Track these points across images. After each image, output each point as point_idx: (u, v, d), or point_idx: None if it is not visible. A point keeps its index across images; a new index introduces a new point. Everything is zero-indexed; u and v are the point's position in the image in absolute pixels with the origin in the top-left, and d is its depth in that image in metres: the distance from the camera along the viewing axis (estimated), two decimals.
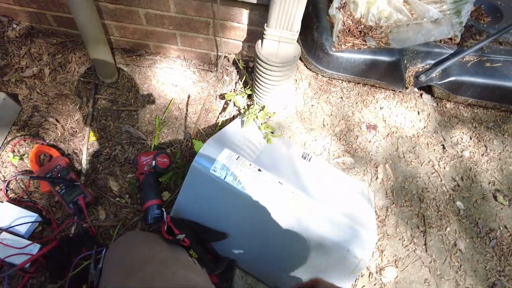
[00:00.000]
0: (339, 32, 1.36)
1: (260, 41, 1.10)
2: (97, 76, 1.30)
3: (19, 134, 1.16)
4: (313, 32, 1.34)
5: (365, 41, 1.35)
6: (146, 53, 1.39)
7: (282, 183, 0.93)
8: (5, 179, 1.07)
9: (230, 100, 1.26)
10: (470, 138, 1.35)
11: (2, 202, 1.02)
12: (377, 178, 1.21)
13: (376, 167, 1.23)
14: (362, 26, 1.41)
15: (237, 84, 1.32)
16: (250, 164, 0.95)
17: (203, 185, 0.94)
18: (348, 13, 1.44)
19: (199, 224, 0.96)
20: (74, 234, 1.01)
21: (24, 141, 1.15)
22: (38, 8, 1.30)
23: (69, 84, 1.29)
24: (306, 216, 0.91)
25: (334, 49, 1.30)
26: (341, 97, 1.38)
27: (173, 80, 1.35)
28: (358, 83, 1.42)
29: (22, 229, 0.97)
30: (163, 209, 0.96)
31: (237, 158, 0.95)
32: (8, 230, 0.95)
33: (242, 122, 1.15)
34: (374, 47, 1.33)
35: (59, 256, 0.96)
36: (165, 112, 1.26)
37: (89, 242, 0.99)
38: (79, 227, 1.01)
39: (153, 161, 1.06)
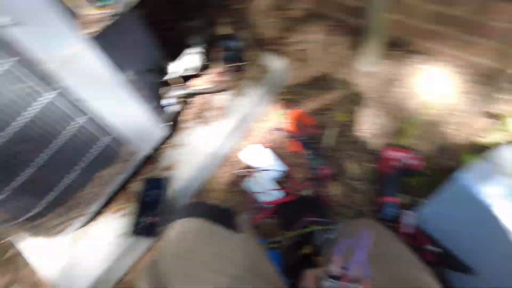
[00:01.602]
0: None
1: None
2: (358, 62, 1.36)
3: (284, 97, 1.36)
4: None
5: None
6: (411, 50, 1.35)
7: None
8: (271, 130, 1.27)
9: (502, 120, 1.05)
10: None
11: (265, 147, 1.22)
12: None
13: None
14: None
15: None
16: None
17: (461, 205, 0.83)
18: None
19: (443, 245, 0.87)
20: (308, 197, 1.10)
21: (286, 103, 1.33)
22: None
23: (330, 64, 1.40)
24: None
25: None
26: None
27: (433, 83, 1.25)
28: None
29: (274, 175, 1.14)
30: (411, 211, 0.91)
31: None
32: (267, 170, 1.14)
33: None
34: None
35: (291, 210, 1.08)
36: (418, 113, 1.19)
37: (317, 209, 1.06)
38: (314, 193, 1.10)
39: (403, 159, 1.02)
